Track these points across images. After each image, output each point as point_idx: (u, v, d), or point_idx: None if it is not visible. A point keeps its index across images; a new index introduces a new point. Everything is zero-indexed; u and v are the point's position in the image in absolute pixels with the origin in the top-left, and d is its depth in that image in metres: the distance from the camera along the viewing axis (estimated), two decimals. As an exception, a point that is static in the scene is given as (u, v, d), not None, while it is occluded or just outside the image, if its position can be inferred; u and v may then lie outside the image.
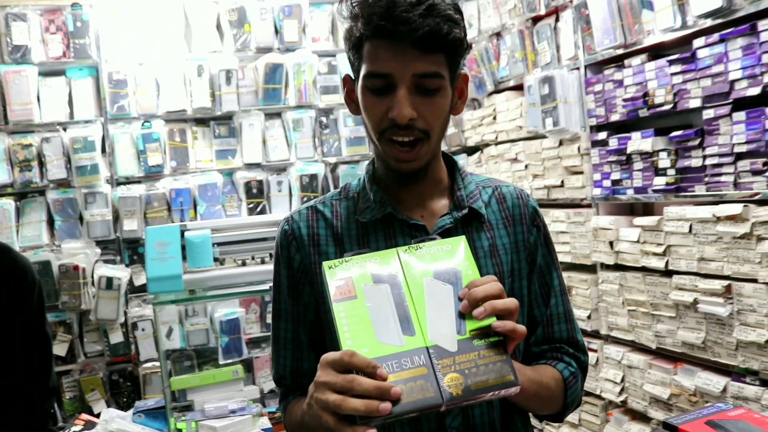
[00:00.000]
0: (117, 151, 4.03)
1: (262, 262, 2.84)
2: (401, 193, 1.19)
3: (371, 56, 1.08)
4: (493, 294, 0.94)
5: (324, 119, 4.35)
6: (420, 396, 0.87)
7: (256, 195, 4.17)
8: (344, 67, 4.39)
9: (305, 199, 4.25)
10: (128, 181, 4.11)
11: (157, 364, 3.92)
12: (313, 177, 4.24)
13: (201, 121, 4.19)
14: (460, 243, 1.02)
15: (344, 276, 0.96)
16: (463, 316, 0.95)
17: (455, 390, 0.88)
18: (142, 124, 4.04)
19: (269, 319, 4.19)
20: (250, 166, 4.20)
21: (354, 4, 1.10)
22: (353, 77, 1.16)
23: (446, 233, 1.14)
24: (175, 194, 4.00)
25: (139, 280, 4.00)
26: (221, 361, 3.97)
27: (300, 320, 1.21)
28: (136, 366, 4.01)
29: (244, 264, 2.83)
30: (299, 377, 1.22)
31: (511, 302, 0.95)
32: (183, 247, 2.75)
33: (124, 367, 4.10)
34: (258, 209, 4.17)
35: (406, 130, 1.07)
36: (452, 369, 0.90)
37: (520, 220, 1.24)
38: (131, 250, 4.12)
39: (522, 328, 0.94)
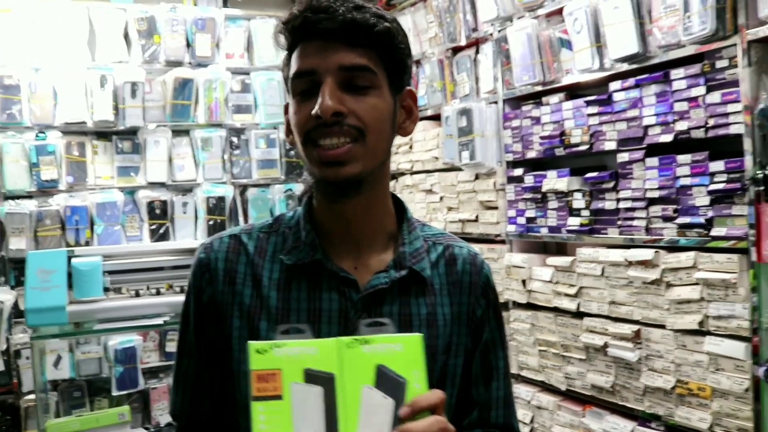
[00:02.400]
0: (6, 162, 3.70)
1: (158, 293, 2.65)
2: (336, 237, 1.05)
3: (297, 58, 1.00)
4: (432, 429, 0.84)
5: (235, 139, 4.16)
6: None
7: (160, 216, 3.93)
8: (257, 85, 4.23)
9: (211, 222, 4.04)
10: (17, 196, 3.77)
11: (42, 396, 3.61)
12: (221, 199, 4.04)
13: (102, 135, 3.92)
14: (416, 345, 0.88)
15: (272, 367, 0.83)
16: None
17: None
18: (36, 135, 3.73)
19: (169, 348, 3.97)
20: (153, 185, 3.96)
21: (282, 21, 1.03)
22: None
23: (380, 294, 1.02)
24: (70, 212, 3.71)
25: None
26: (114, 393, 3.72)
27: (205, 358, 1.08)
28: (18, 397, 3.67)
29: (137, 295, 2.62)
30: (196, 419, 1.10)
31: None
32: (69, 275, 2.52)
33: (4, 398, 3.76)
34: (161, 231, 3.93)
35: (332, 127, 0.95)
36: None
37: (469, 289, 1.10)
38: (18, 271, 3.77)
39: None
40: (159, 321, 2.50)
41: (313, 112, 0.95)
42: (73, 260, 2.53)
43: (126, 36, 3.94)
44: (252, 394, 0.82)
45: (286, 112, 1.07)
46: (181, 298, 1.13)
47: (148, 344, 3.89)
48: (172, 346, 3.97)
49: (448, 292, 1.08)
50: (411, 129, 1.09)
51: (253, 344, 0.84)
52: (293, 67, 1.00)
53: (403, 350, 0.87)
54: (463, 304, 1.09)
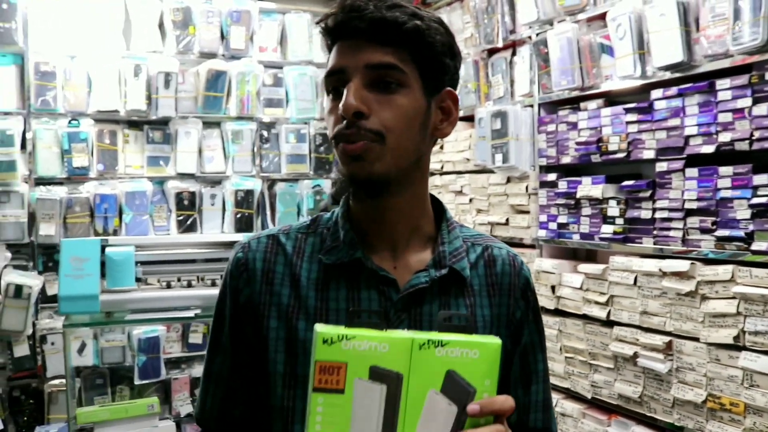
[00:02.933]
0: (38, 148, 3.73)
1: (189, 285, 2.65)
2: (374, 237, 1.04)
3: (331, 58, 1.01)
4: None
5: (265, 133, 4.16)
6: None
7: (188, 207, 3.93)
8: (290, 80, 4.22)
9: (239, 215, 4.04)
10: (49, 181, 3.80)
11: (71, 382, 3.64)
12: (249, 193, 4.04)
13: (134, 124, 3.93)
14: (494, 353, 0.83)
15: (338, 359, 0.79)
16: None
17: None
18: (69, 122, 3.75)
19: (192, 339, 3.98)
20: (183, 176, 3.97)
21: (317, 22, 1.04)
22: None
23: (419, 294, 1.00)
24: (99, 200, 3.72)
25: (53, 290, 3.70)
26: (137, 382, 3.73)
27: (240, 358, 1.06)
28: (42, 382, 3.70)
29: (168, 286, 2.63)
30: (226, 423, 1.08)
31: None
32: (102, 264, 2.53)
33: (28, 382, 3.78)
34: (188, 222, 3.94)
35: (351, 129, 0.94)
36: None
37: (509, 290, 1.09)
38: (46, 257, 3.81)
39: None
40: (190, 314, 2.50)
41: (338, 111, 0.95)
42: (107, 249, 2.53)
43: (161, 26, 3.95)
44: (313, 384, 0.79)
45: None
46: (212, 291, 1.12)
47: (171, 335, 3.90)
48: (195, 338, 3.98)
49: (487, 293, 1.07)
50: (449, 131, 1.07)
51: (321, 332, 0.79)
52: (328, 66, 1.01)
53: (479, 357, 0.82)
54: (502, 306, 1.08)
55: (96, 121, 3.80)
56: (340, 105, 0.94)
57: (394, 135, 0.96)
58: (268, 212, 4.17)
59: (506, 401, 0.84)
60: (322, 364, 0.78)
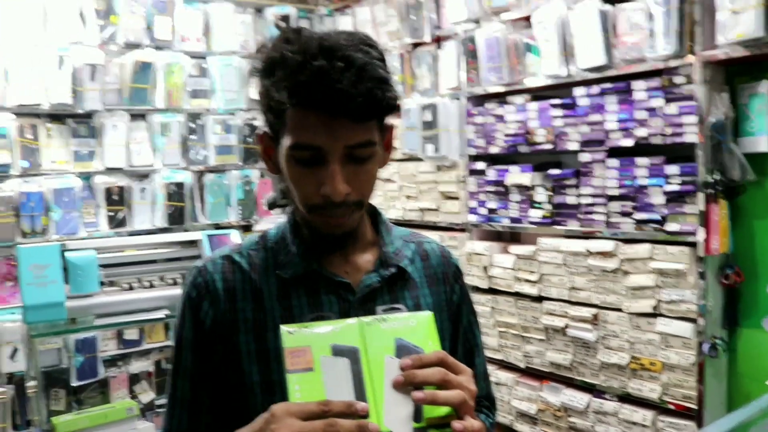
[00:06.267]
0: (-47, 145, 3.53)
1: (151, 285, 2.68)
2: (324, 248, 1.12)
3: (297, 126, 0.98)
4: (434, 380, 0.90)
5: (192, 124, 4.14)
6: None
7: (117, 202, 3.86)
8: (215, 70, 4.21)
9: (170, 209, 4.02)
10: (-33, 180, 3.61)
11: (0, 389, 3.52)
12: (180, 185, 4.02)
13: (56, 118, 3.78)
14: (428, 320, 0.98)
15: (302, 344, 0.91)
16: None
17: None
18: (-13, 118, 3.57)
19: (126, 335, 3.95)
20: (111, 171, 3.88)
21: (273, 65, 0.98)
22: (271, 136, 1.06)
23: (372, 293, 1.10)
24: (25, 198, 3.58)
25: (-23, 294, 3.55)
26: (74, 383, 3.66)
27: (202, 380, 1.11)
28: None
29: (131, 288, 2.65)
30: None
31: (455, 395, 0.90)
32: (64, 269, 2.51)
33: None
34: (119, 217, 3.88)
35: (340, 207, 1.00)
36: None
37: (443, 279, 1.21)
38: (-33, 259, 3.63)
39: (479, 424, 0.91)
40: (160, 314, 2.53)
41: (323, 192, 0.98)
42: (67, 254, 2.51)
43: (81, 15, 3.79)
44: (286, 368, 0.89)
45: (260, 141, 1.09)
46: (175, 290, 1.17)
47: (106, 333, 3.84)
48: (130, 334, 3.95)
49: (427, 284, 1.18)
50: (388, 160, 1.12)
51: (284, 327, 0.92)
52: (292, 133, 0.98)
53: (417, 325, 0.97)
54: (441, 293, 1.19)
55: (16, 115, 3.63)
56: (326, 188, 0.98)
57: (367, 197, 1.06)
58: (198, 204, 4.17)
59: (436, 354, 0.93)
60: (290, 350, 0.90)
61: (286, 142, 1.00)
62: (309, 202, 1.02)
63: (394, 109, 1.02)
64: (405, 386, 0.89)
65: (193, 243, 2.83)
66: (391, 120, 1.07)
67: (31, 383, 2.85)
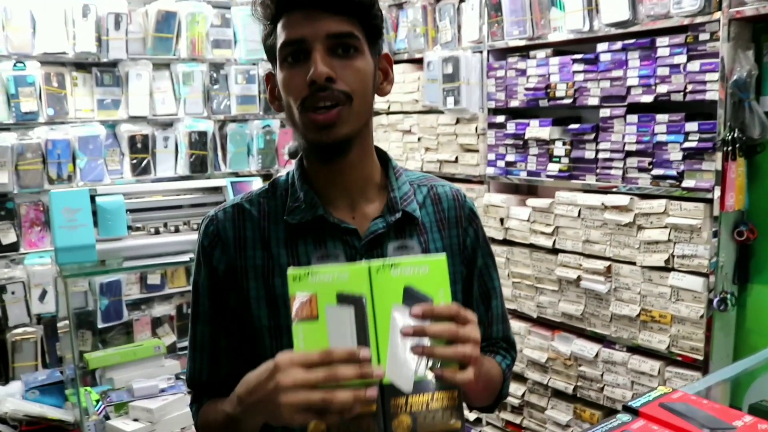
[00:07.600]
0: (-18, 93, 3.60)
1: (177, 230, 2.77)
2: (331, 193, 1.14)
3: (284, 28, 1.05)
4: (444, 336, 0.90)
5: (214, 74, 4.18)
6: None
7: (141, 150, 3.94)
8: (238, 20, 4.23)
9: (193, 157, 4.09)
10: (-3, 128, 3.69)
11: (30, 329, 3.67)
12: (203, 134, 4.09)
13: (81, 66, 3.84)
14: (441, 266, 0.94)
15: (308, 291, 0.90)
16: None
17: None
18: (14, 65, 3.63)
19: (149, 280, 4.07)
20: (135, 119, 3.95)
21: None
22: (274, 73, 1.12)
23: (378, 238, 1.12)
24: (51, 145, 3.66)
25: (7, 239, 3.67)
26: (100, 325, 3.81)
27: (220, 324, 1.15)
28: (3, 333, 3.70)
29: (157, 232, 2.74)
30: (215, 383, 1.17)
31: (460, 351, 0.90)
32: (93, 213, 2.60)
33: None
34: (142, 165, 3.96)
35: (325, 92, 1.02)
36: (403, 410, 0.89)
37: (456, 222, 1.21)
38: (-1, 206, 3.74)
39: (477, 373, 0.92)
40: (185, 258, 2.63)
41: (308, 77, 1.02)
42: (98, 199, 2.59)
43: (102, -36, 3.82)
44: (292, 317, 0.89)
45: (268, 81, 1.15)
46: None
47: (130, 277, 3.97)
48: (153, 279, 4.07)
49: (438, 228, 1.18)
50: (388, 90, 1.17)
51: (291, 272, 0.91)
52: (281, 36, 1.05)
53: (429, 272, 0.93)
54: (453, 237, 1.20)
55: (42, 64, 3.69)
56: (311, 72, 1.01)
57: (358, 97, 1.06)
58: (219, 153, 4.24)
59: (448, 308, 0.92)
60: (296, 297, 0.90)
61: (278, 49, 1.06)
62: (300, 97, 1.04)
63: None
64: (412, 337, 0.90)
65: (217, 189, 2.91)
66: (383, 49, 1.15)
67: (62, 323, 2.99)
